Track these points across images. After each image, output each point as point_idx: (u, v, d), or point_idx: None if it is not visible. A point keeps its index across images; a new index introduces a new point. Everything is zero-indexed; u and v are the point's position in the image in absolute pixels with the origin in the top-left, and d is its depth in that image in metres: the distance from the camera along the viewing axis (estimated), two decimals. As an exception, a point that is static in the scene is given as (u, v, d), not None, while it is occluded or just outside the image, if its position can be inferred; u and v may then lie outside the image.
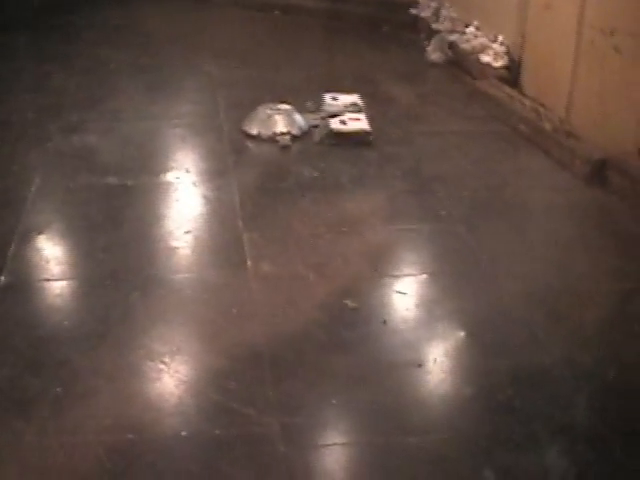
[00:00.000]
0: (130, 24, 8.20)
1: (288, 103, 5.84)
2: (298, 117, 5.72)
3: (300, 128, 5.63)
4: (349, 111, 5.78)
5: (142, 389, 3.32)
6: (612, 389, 3.39)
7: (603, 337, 3.74)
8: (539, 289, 4.06)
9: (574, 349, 3.63)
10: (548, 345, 3.66)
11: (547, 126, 5.60)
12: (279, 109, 5.73)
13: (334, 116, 5.68)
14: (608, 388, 3.40)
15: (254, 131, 5.58)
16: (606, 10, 5.20)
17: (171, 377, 3.36)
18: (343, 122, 5.63)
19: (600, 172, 5.09)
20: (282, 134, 5.52)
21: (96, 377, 3.35)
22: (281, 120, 5.62)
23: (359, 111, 5.81)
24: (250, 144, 5.53)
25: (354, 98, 5.96)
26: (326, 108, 5.82)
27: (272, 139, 5.50)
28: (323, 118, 5.72)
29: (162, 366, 3.41)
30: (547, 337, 3.71)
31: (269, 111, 5.69)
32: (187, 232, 4.44)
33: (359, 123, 5.67)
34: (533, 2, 6.14)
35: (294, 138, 5.53)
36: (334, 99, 5.93)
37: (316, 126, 5.70)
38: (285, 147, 5.44)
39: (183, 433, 3.09)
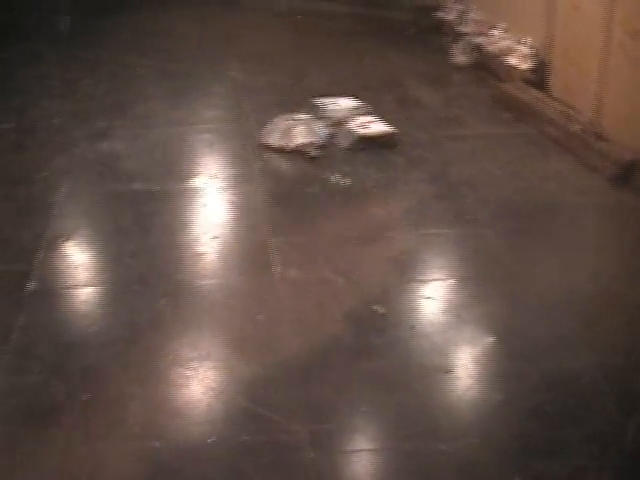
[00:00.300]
0: (156, 30, 8.24)
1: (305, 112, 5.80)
2: (317, 126, 5.64)
3: (321, 137, 5.56)
4: (358, 114, 5.77)
5: (170, 395, 3.32)
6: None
7: (634, 341, 3.69)
8: (569, 293, 4.03)
9: (605, 354, 3.59)
10: (578, 350, 3.62)
11: (576, 128, 5.56)
12: (298, 119, 5.65)
13: (341, 122, 5.70)
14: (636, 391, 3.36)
15: (277, 144, 5.48)
16: (635, 11, 5.15)
17: (199, 383, 3.35)
18: (364, 126, 5.61)
19: (630, 174, 5.04)
20: (306, 145, 5.43)
21: (124, 384, 3.35)
22: (302, 131, 5.53)
23: (369, 113, 5.81)
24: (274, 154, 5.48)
25: (353, 101, 5.97)
26: (331, 114, 5.79)
27: (299, 151, 5.42)
28: (336, 124, 5.69)
29: (190, 372, 3.41)
30: (577, 341, 3.67)
31: (288, 122, 5.60)
32: (214, 238, 4.44)
33: (381, 125, 5.66)
34: (561, 3, 6.10)
35: (320, 147, 5.47)
36: (334, 103, 5.91)
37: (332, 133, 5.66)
38: (314, 158, 5.36)
39: (210, 440, 3.08)
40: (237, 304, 3.90)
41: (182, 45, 7.81)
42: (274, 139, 5.49)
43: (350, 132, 5.56)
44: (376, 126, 5.65)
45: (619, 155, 5.13)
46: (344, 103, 5.94)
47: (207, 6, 8.94)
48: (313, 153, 5.35)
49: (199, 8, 8.86)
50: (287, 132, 5.50)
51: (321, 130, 5.60)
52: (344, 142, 5.56)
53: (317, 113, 5.83)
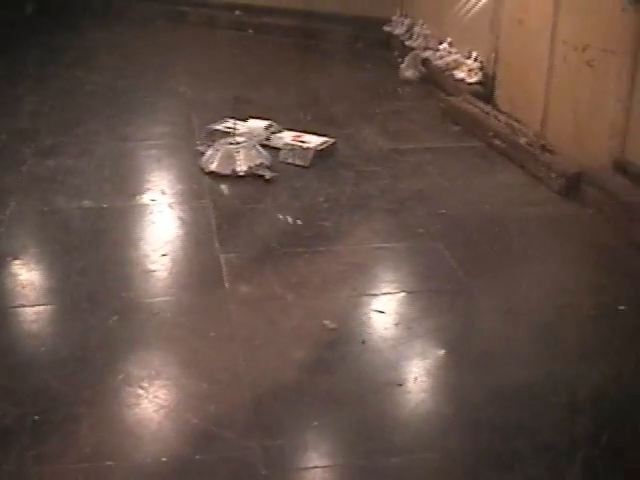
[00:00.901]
0: (105, 45, 8.21)
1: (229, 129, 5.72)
2: (256, 147, 5.51)
3: (267, 158, 5.46)
4: (273, 132, 5.77)
5: (121, 415, 3.28)
6: (594, 405, 3.38)
7: (584, 352, 3.73)
8: (519, 304, 4.06)
9: (555, 365, 3.62)
10: (529, 361, 3.65)
11: (522, 141, 5.62)
12: (235, 143, 5.49)
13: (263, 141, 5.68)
14: (590, 404, 3.39)
15: (224, 171, 5.31)
16: (578, 26, 5.24)
17: (150, 402, 3.32)
18: (299, 140, 5.64)
19: (576, 186, 5.11)
20: (256, 167, 5.32)
21: (75, 404, 3.30)
22: (246, 155, 5.38)
23: (280, 131, 5.80)
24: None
25: (263, 121, 5.89)
26: (251, 132, 5.71)
27: (251, 175, 5.31)
28: (263, 143, 5.64)
29: (141, 391, 3.38)
30: (528, 353, 3.70)
31: (227, 147, 5.44)
32: (164, 255, 4.41)
33: (314, 137, 5.71)
34: (506, 18, 6.17)
35: (269, 168, 5.39)
36: (237, 125, 5.79)
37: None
38: (270, 180, 5.25)
39: (163, 459, 3.06)
40: (188, 321, 3.88)
41: (130, 61, 7.78)
42: (220, 167, 5.34)
43: (299, 148, 5.55)
44: (313, 138, 5.68)
45: (565, 167, 5.19)
46: (255, 123, 5.87)
47: (154, 22, 8.93)
48: (268, 175, 5.26)
49: (146, 24, 8.85)
50: (230, 158, 5.36)
51: (262, 151, 5.50)
52: (300, 160, 5.53)
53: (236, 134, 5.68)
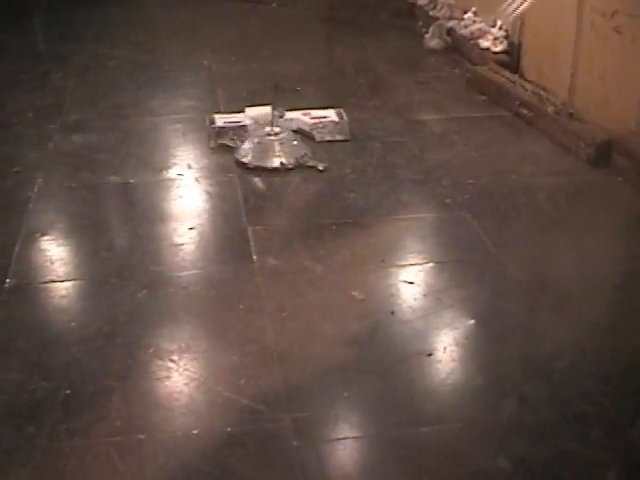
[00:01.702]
0: (127, 20, 8.20)
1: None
2: (292, 136, 5.32)
3: (304, 148, 5.24)
4: (280, 116, 5.41)
5: (152, 388, 3.30)
6: (624, 373, 3.36)
7: (613, 321, 3.71)
8: (548, 274, 4.05)
9: (585, 334, 3.60)
10: (557, 331, 3.63)
11: (550, 110, 5.57)
12: (271, 134, 5.24)
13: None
14: (620, 372, 3.37)
15: (268, 165, 5.08)
16: (606, -9, 5.17)
17: (180, 375, 3.34)
18: (317, 117, 5.54)
19: (604, 154, 5.06)
20: (303, 157, 5.12)
21: (105, 378, 3.32)
22: (286, 147, 5.17)
23: (283, 114, 5.44)
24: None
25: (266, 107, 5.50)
26: (257, 120, 5.44)
27: (300, 166, 5.09)
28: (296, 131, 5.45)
29: (171, 364, 3.39)
30: (558, 323, 3.68)
31: (263, 140, 5.21)
32: (191, 228, 4.42)
33: (323, 111, 5.61)
34: (532, -15, 6.11)
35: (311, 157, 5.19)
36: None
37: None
38: (324, 170, 5.04)
39: (194, 431, 3.07)
40: (216, 294, 3.88)
41: (153, 36, 7.76)
42: (266, 161, 5.10)
43: (337, 123, 5.48)
44: (322, 112, 5.60)
45: (593, 135, 5.15)
46: (257, 111, 5.51)
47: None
48: (321, 166, 5.05)
49: (167, -1, 8.84)
50: (273, 150, 5.14)
51: (297, 139, 5.33)
52: (340, 135, 5.48)
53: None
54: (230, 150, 5.27)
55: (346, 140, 5.44)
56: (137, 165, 5.14)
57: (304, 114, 5.53)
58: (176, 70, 6.85)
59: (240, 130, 5.39)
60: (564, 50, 5.64)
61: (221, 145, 5.32)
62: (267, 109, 5.43)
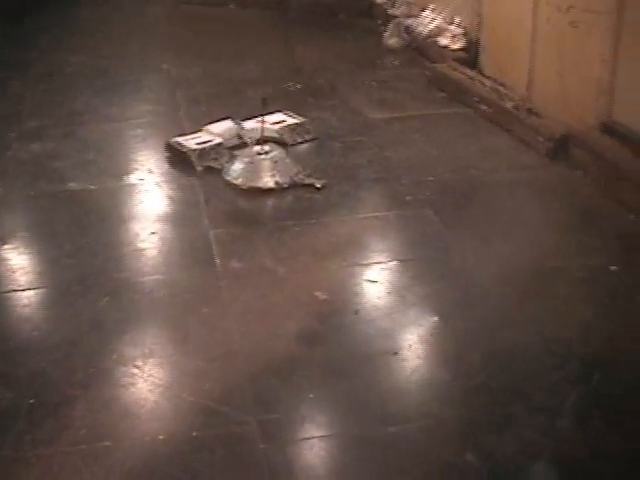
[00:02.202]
0: (85, 26, 8.13)
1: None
2: (286, 159, 5.06)
3: (293, 167, 5.02)
4: (242, 128, 5.34)
5: (117, 395, 3.28)
6: (587, 365, 3.39)
7: (575, 314, 3.74)
8: (509, 269, 4.06)
9: (547, 327, 3.63)
10: (521, 325, 3.66)
11: (508, 105, 5.60)
12: (264, 153, 5.02)
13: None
14: (583, 364, 3.40)
15: (263, 185, 4.85)
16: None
17: (145, 381, 3.33)
18: (275, 122, 5.46)
19: (563, 148, 5.10)
20: (296, 174, 4.91)
21: (70, 386, 3.30)
22: (278, 165, 4.95)
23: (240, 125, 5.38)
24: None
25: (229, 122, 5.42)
26: (223, 135, 5.31)
27: (295, 185, 4.87)
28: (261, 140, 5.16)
29: (135, 370, 3.38)
30: (520, 317, 3.71)
31: (260, 159, 4.97)
32: (153, 233, 4.41)
33: (273, 116, 5.51)
34: (488, -19, 6.15)
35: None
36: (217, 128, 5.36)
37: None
38: (321, 188, 4.84)
39: (161, 437, 3.06)
40: (180, 299, 3.87)
41: (111, 41, 7.69)
42: (260, 181, 4.87)
43: (301, 124, 5.49)
44: (274, 117, 5.51)
45: (552, 130, 5.18)
46: (221, 126, 5.39)
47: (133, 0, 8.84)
48: (319, 184, 4.84)
49: (124, 3, 8.76)
50: (266, 170, 4.92)
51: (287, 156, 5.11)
52: (308, 135, 5.49)
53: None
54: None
55: (315, 138, 5.45)
56: (97, 171, 5.10)
57: (258, 122, 5.28)
58: (135, 74, 6.80)
59: (219, 149, 5.20)
60: (521, 46, 5.68)
61: (206, 168, 5.08)
62: (228, 122, 5.38)
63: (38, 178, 5.03)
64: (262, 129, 5.10)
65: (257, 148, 5.05)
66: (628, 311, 3.75)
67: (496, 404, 3.20)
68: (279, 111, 5.62)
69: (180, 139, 5.29)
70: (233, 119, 5.37)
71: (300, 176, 4.92)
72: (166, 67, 6.92)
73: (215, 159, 5.14)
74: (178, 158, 5.18)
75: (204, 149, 5.17)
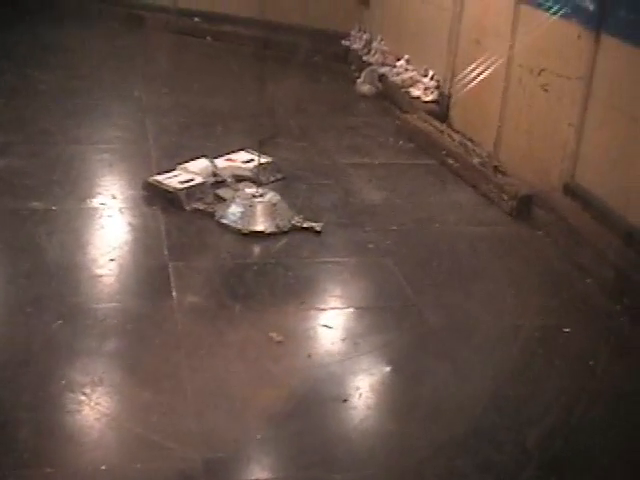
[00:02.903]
0: (60, 45, 8.12)
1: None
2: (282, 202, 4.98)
3: (286, 211, 4.94)
4: (215, 166, 5.32)
5: (62, 421, 3.25)
6: (534, 423, 3.41)
7: (526, 372, 3.76)
8: (464, 322, 4.09)
9: (498, 383, 3.64)
10: (472, 379, 3.67)
11: (475, 161, 5.66)
12: (259, 195, 4.93)
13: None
14: (531, 422, 3.42)
15: (265, 229, 4.77)
16: (534, 50, 5.28)
17: (92, 409, 3.29)
18: (243, 161, 5.44)
19: (526, 208, 5.16)
20: (293, 218, 4.87)
21: (15, 408, 3.26)
22: (280, 208, 4.90)
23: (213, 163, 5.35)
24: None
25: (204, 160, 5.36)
26: (200, 173, 5.21)
27: (297, 229, 4.82)
28: (236, 178, 5.24)
29: (83, 397, 3.34)
30: (471, 371, 3.72)
31: (259, 202, 4.87)
32: (112, 260, 4.38)
33: (241, 154, 5.53)
34: (463, 38, 6.22)
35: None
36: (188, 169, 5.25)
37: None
38: (320, 232, 4.81)
39: (103, 467, 3.02)
40: (134, 329, 3.84)
41: (85, 62, 7.70)
42: (262, 225, 4.78)
43: (270, 163, 5.45)
44: (242, 155, 5.51)
45: (516, 189, 5.24)
46: (197, 165, 5.30)
47: (110, 24, 8.84)
48: (318, 227, 4.82)
49: (102, 25, 8.77)
50: (266, 214, 4.83)
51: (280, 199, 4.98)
52: (279, 173, 5.47)
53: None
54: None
55: (284, 178, 5.44)
56: (61, 192, 5.07)
57: (226, 159, 5.38)
58: (106, 99, 6.80)
59: (203, 188, 5.11)
60: (492, 103, 5.75)
61: (195, 210, 4.97)
62: (204, 161, 5.33)
63: (1, 194, 4.99)
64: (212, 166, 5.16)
65: (252, 190, 4.96)
66: (579, 373, 3.77)
67: (443, 457, 3.19)
68: (242, 149, 5.61)
69: (160, 177, 5.17)
70: (207, 157, 5.34)
71: (297, 219, 4.87)
72: (138, 94, 6.92)
73: (201, 198, 5.04)
74: (160, 198, 5.05)
75: (190, 188, 5.06)
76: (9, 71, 7.20)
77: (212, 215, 4.89)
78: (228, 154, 5.41)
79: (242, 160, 5.48)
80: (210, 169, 5.27)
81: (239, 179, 5.20)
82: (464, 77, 6.07)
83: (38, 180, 5.22)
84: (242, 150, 5.61)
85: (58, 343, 3.69)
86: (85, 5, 9.14)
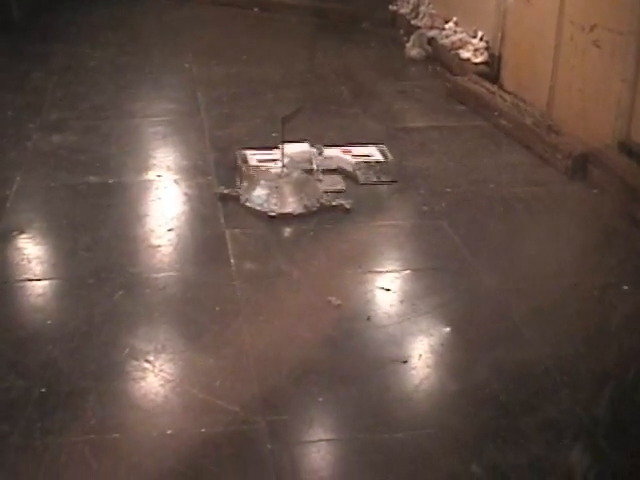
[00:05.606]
0: (109, 22, 8.18)
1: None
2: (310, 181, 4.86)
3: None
4: (320, 153, 5.10)
5: (127, 389, 3.31)
6: (596, 382, 3.40)
7: (585, 331, 3.74)
8: (522, 284, 4.07)
9: (557, 343, 3.63)
10: (532, 339, 3.66)
11: (528, 121, 5.61)
12: (285, 176, 4.78)
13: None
14: (592, 381, 3.41)
15: (294, 210, 4.63)
16: (586, 6, 5.22)
17: (156, 376, 3.34)
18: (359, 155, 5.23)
19: (581, 167, 5.11)
20: (322, 196, 4.73)
21: (81, 377, 3.32)
22: (309, 188, 4.77)
23: (321, 151, 5.13)
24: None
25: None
26: (293, 158, 4.97)
27: (324, 207, 4.69)
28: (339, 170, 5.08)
29: (147, 365, 3.40)
30: (531, 331, 3.71)
31: (281, 183, 4.73)
32: (170, 230, 4.43)
33: (362, 148, 5.33)
34: (513, -3, 6.16)
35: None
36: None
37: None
38: (350, 209, 4.66)
39: (169, 432, 3.08)
40: (193, 296, 3.89)
41: (134, 38, 7.74)
42: (289, 206, 4.64)
43: (383, 163, 5.20)
44: (363, 149, 5.31)
45: (570, 148, 5.19)
46: (296, 148, 5.06)
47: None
48: (348, 205, 4.68)
49: (149, 1, 8.81)
50: (293, 194, 4.70)
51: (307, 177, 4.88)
52: (386, 176, 5.11)
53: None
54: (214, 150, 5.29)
55: (393, 181, 5.07)
56: (116, 166, 5.14)
57: (344, 151, 5.19)
58: (157, 72, 6.85)
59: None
60: (543, 63, 5.69)
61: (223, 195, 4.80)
62: (305, 146, 5.11)
63: (57, 170, 5.07)
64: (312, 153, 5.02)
65: (277, 171, 4.81)
66: (638, 330, 3.75)
67: (504, 417, 3.20)
68: (373, 144, 5.40)
69: (248, 152, 5.15)
70: (312, 144, 5.14)
71: (327, 197, 4.75)
72: (188, 66, 6.97)
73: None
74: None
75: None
76: (60, 50, 7.26)
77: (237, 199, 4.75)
78: (355, 146, 5.30)
79: (360, 154, 5.25)
80: (307, 155, 5.03)
81: (338, 171, 5.07)
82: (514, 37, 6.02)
83: (93, 155, 5.28)
84: (373, 145, 5.40)
85: (120, 313, 3.75)
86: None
